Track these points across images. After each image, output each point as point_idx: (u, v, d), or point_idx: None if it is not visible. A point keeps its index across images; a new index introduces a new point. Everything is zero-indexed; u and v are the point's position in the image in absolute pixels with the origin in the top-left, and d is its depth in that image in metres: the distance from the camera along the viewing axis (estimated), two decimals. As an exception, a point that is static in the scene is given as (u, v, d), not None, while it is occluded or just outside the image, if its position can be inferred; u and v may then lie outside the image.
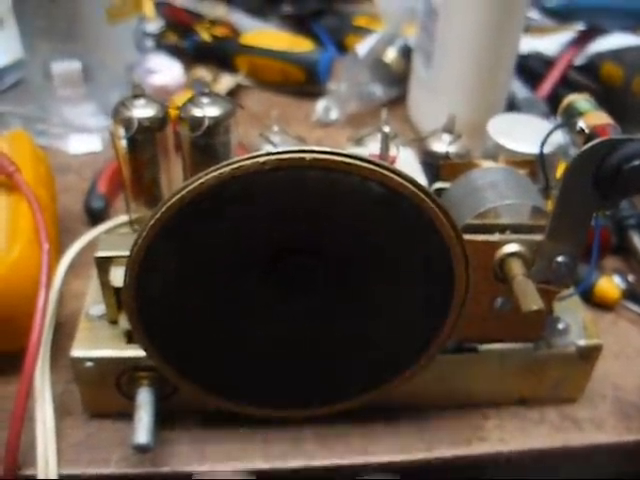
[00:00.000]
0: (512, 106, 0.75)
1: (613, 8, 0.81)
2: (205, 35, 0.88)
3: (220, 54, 0.87)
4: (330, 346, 0.43)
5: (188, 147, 0.46)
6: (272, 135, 0.46)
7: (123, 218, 0.53)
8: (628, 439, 0.49)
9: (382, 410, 0.48)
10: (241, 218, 0.37)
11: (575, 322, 0.48)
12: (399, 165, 0.44)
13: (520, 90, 0.77)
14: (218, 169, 0.35)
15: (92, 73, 0.74)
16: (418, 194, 0.37)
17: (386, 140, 0.42)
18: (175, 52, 0.89)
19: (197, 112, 0.44)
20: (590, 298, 0.58)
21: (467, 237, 0.41)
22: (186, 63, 0.87)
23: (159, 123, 0.46)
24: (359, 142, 0.48)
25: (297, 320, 0.42)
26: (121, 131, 0.45)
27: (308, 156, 0.35)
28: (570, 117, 0.44)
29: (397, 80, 0.83)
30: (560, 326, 0.47)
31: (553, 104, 0.77)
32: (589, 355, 0.48)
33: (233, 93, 0.84)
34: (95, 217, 0.63)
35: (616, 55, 0.76)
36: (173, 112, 0.46)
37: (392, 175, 0.36)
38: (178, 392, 0.46)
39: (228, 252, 0.38)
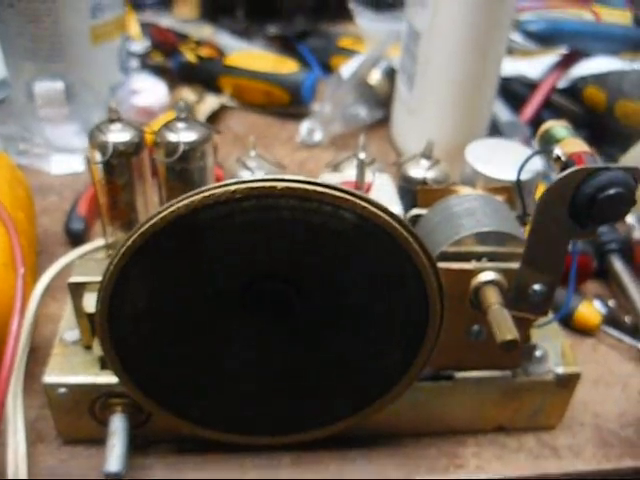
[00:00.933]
0: (495, 129, 0.76)
1: (595, 32, 0.81)
2: (190, 56, 0.88)
3: (205, 75, 0.87)
4: (304, 374, 0.43)
5: (164, 172, 0.45)
6: (249, 160, 0.46)
7: (101, 242, 0.53)
8: (607, 467, 0.49)
9: (359, 437, 0.48)
10: (213, 246, 0.37)
11: (553, 349, 0.48)
12: (375, 192, 0.44)
13: (503, 113, 0.78)
14: (189, 197, 0.35)
15: (75, 93, 0.74)
16: (391, 223, 0.36)
17: (362, 167, 0.42)
18: (160, 72, 0.89)
19: (172, 137, 0.44)
20: (570, 323, 0.58)
21: (442, 265, 0.40)
22: (171, 83, 0.87)
23: (135, 148, 0.45)
24: (336, 168, 0.48)
25: (271, 348, 0.42)
26: (96, 155, 0.45)
27: (280, 185, 0.35)
28: (547, 144, 0.44)
29: (381, 102, 0.83)
30: (538, 353, 0.47)
31: (536, 128, 0.77)
32: (567, 383, 0.48)
33: (217, 114, 0.84)
34: (75, 239, 0.63)
35: (599, 79, 0.76)
36: (149, 137, 0.46)
37: (365, 204, 0.36)
38: (152, 419, 0.46)
39: (200, 280, 0.38)
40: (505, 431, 0.50)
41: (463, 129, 0.71)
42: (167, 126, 0.45)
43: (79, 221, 0.63)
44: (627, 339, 0.58)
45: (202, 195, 0.35)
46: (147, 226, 0.36)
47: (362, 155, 0.42)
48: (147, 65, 0.90)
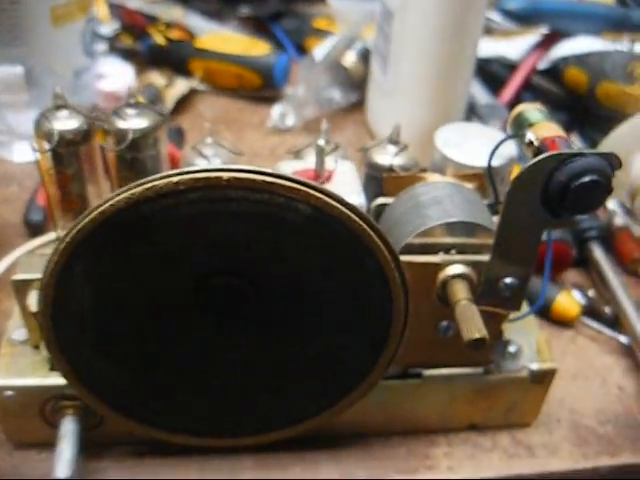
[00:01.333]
0: (472, 112, 0.73)
1: (577, 12, 0.79)
2: (159, 38, 0.85)
3: (174, 58, 0.84)
4: (263, 373, 0.41)
5: (114, 162, 0.43)
6: (205, 147, 0.43)
7: (53, 235, 0.50)
8: (585, 466, 0.47)
9: (325, 438, 0.46)
10: (158, 240, 0.34)
11: (528, 344, 0.46)
12: (336, 180, 0.41)
13: (481, 95, 0.75)
14: (130, 189, 0.33)
15: (36, 78, 0.71)
16: (349, 215, 0.34)
17: (321, 154, 0.39)
18: (129, 56, 0.85)
19: (121, 124, 0.41)
20: (548, 315, 0.56)
21: (407, 259, 0.38)
22: (140, 67, 0.84)
23: (83, 136, 0.43)
24: (298, 154, 0.45)
25: (227, 346, 0.39)
26: (43, 144, 0.42)
27: (226, 175, 0.32)
28: (520, 128, 0.41)
29: (356, 84, 0.80)
30: (511, 349, 0.45)
31: (516, 110, 0.75)
32: (543, 379, 0.46)
33: (187, 98, 0.81)
34: (34, 230, 0.60)
35: (580, 60, 0.74)
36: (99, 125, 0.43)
37: (319, 195, 0.33)
38: (106, 421, 0.43)
39: (146, 276, 0.36)
40: (478, 429, 0.48)
41: (439, 112, 0.69)
42: (116, 112, 0.42)
43: (38, 212, 0.61)
44: (607, 331, 0.56)
45: (143, 187, 0.32)
46: (86, 221, 0.33)
47: (321, 142, 0.39)
48: (116, 48, 0.87)
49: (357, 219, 0.34)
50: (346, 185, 0.41)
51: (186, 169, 0.32)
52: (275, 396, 0.42)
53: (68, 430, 0.42)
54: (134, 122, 0.42)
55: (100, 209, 0.33)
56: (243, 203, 0.33)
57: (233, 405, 0.42)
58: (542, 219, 0.38)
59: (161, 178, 0.32)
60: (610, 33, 0.79)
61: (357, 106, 0.81)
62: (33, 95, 0.71)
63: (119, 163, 0.43)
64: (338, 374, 0.41)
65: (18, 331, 0.44)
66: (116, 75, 0.79)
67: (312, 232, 0.35)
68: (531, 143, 0.39)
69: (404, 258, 0.37)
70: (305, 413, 0.43)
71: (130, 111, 0.42)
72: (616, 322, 0.56)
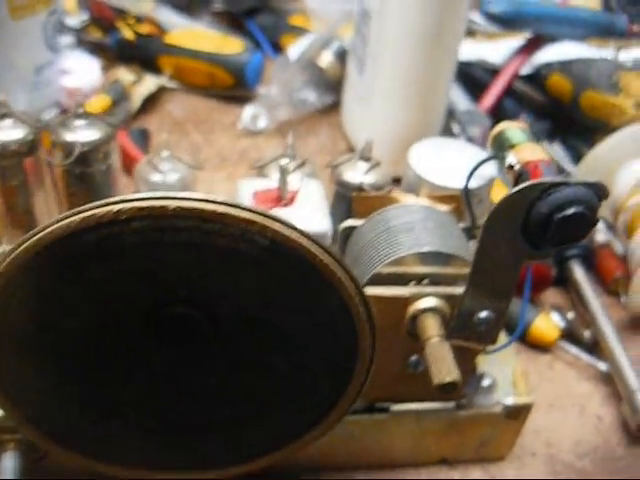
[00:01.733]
0: (451, 118, 0.70)
1: (561, 16, 0.76)
2: (128, 32, 0.81)
3: (143, 53, 0.80)
4: (220, 406, 0.38)
5: (61, 176, 0.39)
6: (161, 162, 0.40)
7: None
8: (560, 503, 0.44)
9: (288, 473, 0.43)
10: (101, 271, 0.31)
11: (503, 376, 0.43)
12: (300, 202, 0.38)
13: (461, 101, 0.72)
14: (67, 217, 0.29)
15: (-6, 74, 0.67)
16: (308, 248, 0.31)
17: (284, 175, 0.36)
18: (97, 50, 0.82)
19: (69, 136, 0.38)
20: (525, 338, 0.53)
21: (374, 292, 0.35)
22: (108, 62, 0.80)
23: (29, 147, 0.39)
24: (261, 171, 0.42)
25: (179, 378, 0.36)
26: (-17, 155, 0.39)
27: (172, 204, 0.29)
28: (501, 148, 0.39)
29: (332, 85, 0.77)
30: (485, 383, 0.42)
31: (497, 117, 0.72)
32: (518, 414, 0.43)
33: (156, 96, 0.77)
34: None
35: (564, 67, 0.71)
36: (46, 135, 0.40)
37: (277, 226, 0.30)
38: (50, 456, 0.40)
39: (86, 307, 0.33)
40: (449, 464, 0.45)
41: (417, 119, 0.66)
42: (63, 123, 0.39)
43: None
44: (585, 357, 0.53)
45: (81, 216, 0.29)
46: (19, 251, 0.30)
47: (284, 161, 0.36)
48: (84, 41, 0.83)
49: (318, 252, 0.31)
50: (311, 207, 0.38)
51: (129, 196, 0.29)
52: (234, 430, 0.39)
53: (8, 465, 0.39)
54: (83, 134, 0.38)
55: (36, 237, 0.30)
56: (193, 233, 0.30)
57: (187, 439, 0.39)
58: (522, 250, 0.35)
59: (102, 206, 0.29)
60: (595, 39, 0.76)
61: (332, 108, 0.77)
62: (-10, 92, 0.67)
63: (67, 178, 0.40)
64: (300, 409, 0.38)
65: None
66: (81, 71, 0.75)
67: (269, 264, 0.31)
68: (512, 167, 0.37)
69: (370, 291, 0.34)
70: (266, 448, 0.40)
71: (79, 122, 0.39)
72: (595, 347, 0.54)
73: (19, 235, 0.43)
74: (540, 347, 0.54)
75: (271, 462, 0.40)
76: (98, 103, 0.71)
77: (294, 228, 0.30)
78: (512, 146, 0.38)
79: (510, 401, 0.42)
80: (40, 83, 0.71)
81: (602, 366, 0.52)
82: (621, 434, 0.49)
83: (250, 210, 0.30)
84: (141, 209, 0.29)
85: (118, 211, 0.29)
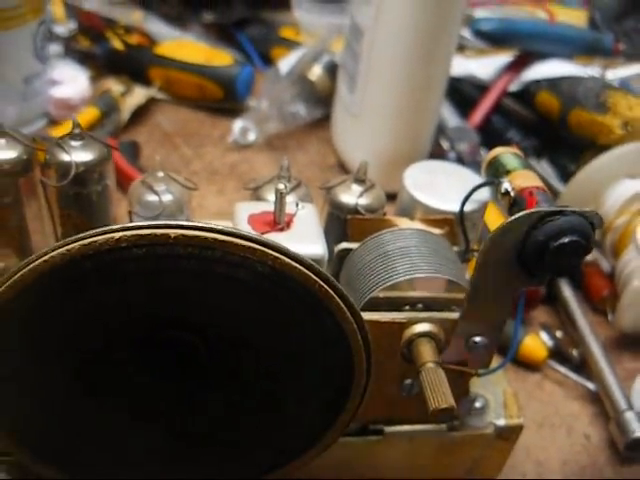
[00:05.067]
0: (441, 134, 0.71)
1: (549, 34, 0.76)
2: (117, 43, 0.81)
3: (133, 64, 0.80)
4: (215, 429, 0.38)
5: (56, 197, 0.39)
6: (156, 183, 0.40)
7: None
8: (549, 524, 0.45)
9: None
10: (100, 298, 0.31)
11: (495, 398, 0.44)
12: (296, 226, 0.38)
13: (451, 118, 0.73)
14: (66, 244, 0.29)
15: (-17, 84, 0.67)
16: (309, 275, 0.31)
17: (281, 200, 0.36)
18: (86, 60, 0.81)
19: (64, 157, 0.38)
20: (514, 357, 0.53)
21: (370, 317, 0.36)
22: (97, 73, 0.79)
23: (22, 166, 0.39)
24: (256, 193, 0.42)
25: (175, 402, 0.36)
26: (-23, 174, 0.39)
27: (173, 232, 0.29)
28: (496, 173, 0.39)
29: (322, 99, 0.77)
30: (477, 404, 0.42)
31: (486, 133, 0.73)
32: (509, 436, 0.43)
33: (145, 108, 0.77)
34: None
35: (552, 84, 0.72)
36: (40, 155, 0.40)
37: (277, 254, 0.30)
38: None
39: (82, 333, 0.32)
40: (440, 484, 0.45)
41: (407, 136, 0.66)
42: (58, 143, 0.38)
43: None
44: (573, 376, 0.54)
45: (80, 243, 0.29)
46: (15, 278, 0.30)
47: (281, 186, 0.36)
48: (72, 50, 0.83)
49: (317, 279, 0.31)
50: (308, 231, 0.38)
51: (130, 224, 0.29)
52: (227, 452, 0.39)
53: (-2, 486, 0.39)
54: (78, 155, 0.38)
55: (31, 265, 0.30)
56: (194, 261, 0.30)
57: (180, 464, 0.39)
58: (517, 277, 0.35)
59: (102, 233, 0.29)
60: (582, 57, 0.77)
61: (322, 122, 0.78)
62: (-20, 102, 0.67)
63: (62, 199, 0.39)
64: (294, 432, 0.38)
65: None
66: (70, 81, 0.75)
67: (268, 291, 0.32)
68: (507, 193, 0.37)
69: (367, 316, 0.34)
70: (258, 471, 0.40)
71: (74, 142, 0.38)
72: (584, 366, 0.54)
73: (11, 254, 0.43)
74: (529, 366, 0.54)
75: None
76: (88, 115, 0.71)
77: (294, 257, 0.31)
78: (507, 172, 0.38)
79: (502, 422, 0.43)
80: (29, 94, 0.71)
81: (590, 385, 0.53)
82: (609, 453, 0.49)
83: (250, 239, 0.30)
84: (142, 237, 0.29)
85: (119, 239, 0.29)
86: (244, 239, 0.30)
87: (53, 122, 0.73)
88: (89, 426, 0.36)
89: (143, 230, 0.29)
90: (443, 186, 0.43)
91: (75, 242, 0.29)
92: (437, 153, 0.70)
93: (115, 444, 0.37)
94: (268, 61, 0.86)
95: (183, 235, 0.29)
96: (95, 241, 0.29)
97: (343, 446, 0.40)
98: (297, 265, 0.31)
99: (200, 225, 0.29)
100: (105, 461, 0.38)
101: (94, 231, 0.29)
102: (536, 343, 0.54)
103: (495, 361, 0.42)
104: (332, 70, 0.76)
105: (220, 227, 0.30)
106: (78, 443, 0.37)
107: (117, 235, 0.29)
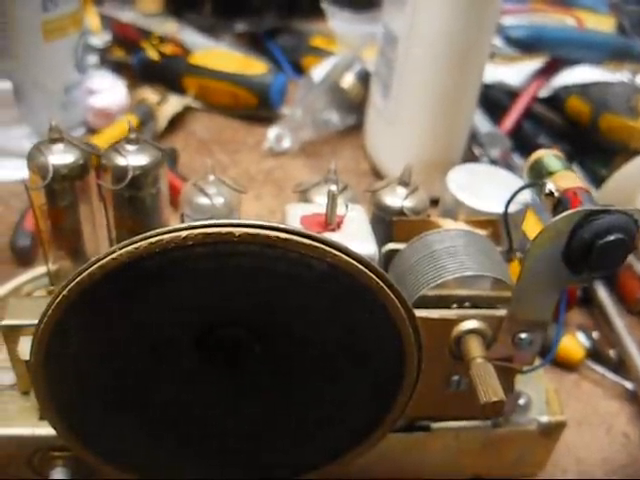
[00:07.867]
0: (473, 140, 0.72)
1: (578, 40, 0.77)
2: (152, 53, 0.83)
3: (168, 74, 0.82)
4: (268, 426, 0.39)
5: (111, 199, 0.41)
6: (207, 185, 0.41)
7: (42, 269, 0.48)
8: (591, 520, 0.45)
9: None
10: (160, 297, 0.32)
11: (537, 395, 0.44)
12: (346, 227, 0.39)
13: (482, 124, 0.73)
14: (133, 243, 0.31)
15: (25, 93, 0.68)
16: (366, 272, 0.32)
17: (333, 201, 0.37)
18: (121, 69, 0.83)
19: (121, 161, 0.39)
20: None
21: (421, 314, 0.36)
22: (132, 82, 0.81)
23: (79, 171, 0.41)
24: (304, 195, 0.43)
25: (231, 399, 0.37)
26: (36, 179, 0.40)
27: (238, 231, 0.30)
28: (538, 175, 0.40)
29: (354, 107, 0.79)
30: (521, 401, 0.43)
31: (517, 138, 0.74)
32: (552, 432, 0.44)
33: (180, 116, 0.78)
34: (21, 257, 0.58)
35: (582, 90, 0.73)
36: (95, 159, 0.41)
37: (336, 252, 0.31)
38: (98, 472, 0.41)
39: (145, 331, 0.34)
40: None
41: (441, 142, 0.67)
42: (115, 148, 0.40)
43: (25, 237, 0.58)
44: (611, 375, 0.54)
45: (148, 242, 0.30)
46: (84, 275, 0.31)
47: (333, 187, 0.37)
48: (107, 60, 0.85)
49: (374, 276, 0.32)
50: (358, 232, 0.39)
51: (194, 223, 0.30)
52: (279, 450, 0.40)
53: (58, 482, 0.40)
54: (134, 159, 0.40)
55: (100, 263, 0.31)
56: (254, 258, 0.31)
57: (234, 458, 0.40)
58: (563, 276, 0.36)
59: (168, 232, 0.30)
60: (611, 62, 0.77)
61: (354, 129, 0.79)
62: (22, 111, 0.68)
63: (117, 201, 0.41)
64: (345, 428, 0.39)
65: (6, 374, 0.42)
66: (107, 91, 0.76)
67: (325, 288, 0.33)
68: (551, 194, 0.38)
69: (419, 313, 0.35)
70: (309, 465, 0.41)
71: (130, 147, 0.40)
72: (621, 366, 0.55)
73: (64, 256, 0.45)
74: (566, 366, 0.55)
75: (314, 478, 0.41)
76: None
77: (353, 254, 0.32)
78: (550, 173, 0.39)
79: (545, 419, 0.43)
80: (69, 103, 0.73)
81: (628, 385, 0.53)
82: (649, 452, 0.50)
83: (312, 237, 0.31)
84: (207, 235, 0.30)
85: (185, 237, 0.30)
86: (305, 237, 0.31)
87: (91, 130, 0.75)
88: (151, 425, 0.37)
89: (209, 229, 0.30)
90: (485, 188, 0.44)
91: (142, 240, 0.30)
92: (469, 159, 0.71)
93: (177, 441, 0.38)
94: (299, 70, 0.88)
95: (247, 233, 0.30)
96: (162, 239, 0.30)
97: (391, 441, 0.41)
98: (356, 263, 0.32)
99: (263, 224, 0.31)
100: (164, 457, 0.39)
101: (160, 230, 0.31)
102: (573, 343, 0.54)
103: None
104: (364, 78, 0.78)
105: (282, 226, 0.31)
106: (141, 442, 0.38)
107: (184, 233, 0.30)
